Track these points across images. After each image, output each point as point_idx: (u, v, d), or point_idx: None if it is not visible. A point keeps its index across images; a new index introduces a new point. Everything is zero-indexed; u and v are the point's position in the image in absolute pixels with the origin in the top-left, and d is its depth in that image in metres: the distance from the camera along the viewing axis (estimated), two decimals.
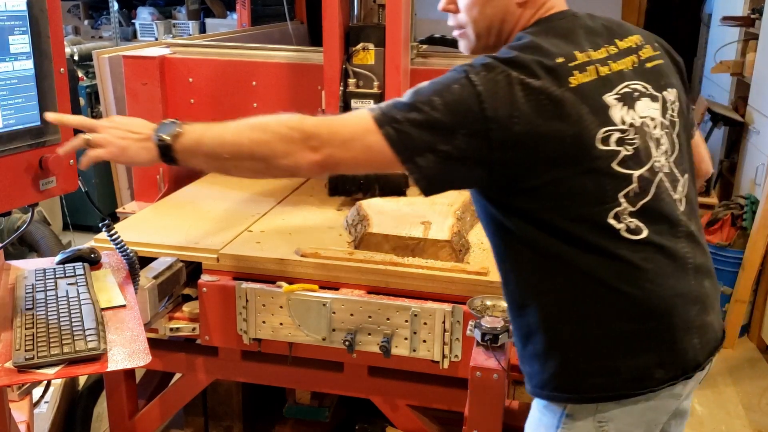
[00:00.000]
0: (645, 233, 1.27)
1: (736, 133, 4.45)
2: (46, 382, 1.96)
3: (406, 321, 1.93)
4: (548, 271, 1.31)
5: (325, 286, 2.03)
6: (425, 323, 1.92)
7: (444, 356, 1.94)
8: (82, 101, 4.50)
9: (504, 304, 1.82)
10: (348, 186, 2.45)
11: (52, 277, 1.63)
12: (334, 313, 1.96)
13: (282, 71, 2.77)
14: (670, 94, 1.38)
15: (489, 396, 1.68)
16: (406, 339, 1.94)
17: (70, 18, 6.32)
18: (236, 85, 2.80)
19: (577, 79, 1.25)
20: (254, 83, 2.78)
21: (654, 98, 1.34)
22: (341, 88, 2.39)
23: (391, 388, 2.13)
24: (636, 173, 1.28)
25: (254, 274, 2.08)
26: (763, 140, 3.86)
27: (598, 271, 1.28)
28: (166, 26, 6.09)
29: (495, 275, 1.96)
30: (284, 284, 2.01)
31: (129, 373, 2.30)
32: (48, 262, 1.77)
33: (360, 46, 2.40)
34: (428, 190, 1.28)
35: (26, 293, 1.56)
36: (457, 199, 2.36)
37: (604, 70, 1.30)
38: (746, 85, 4.25)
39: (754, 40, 4.10)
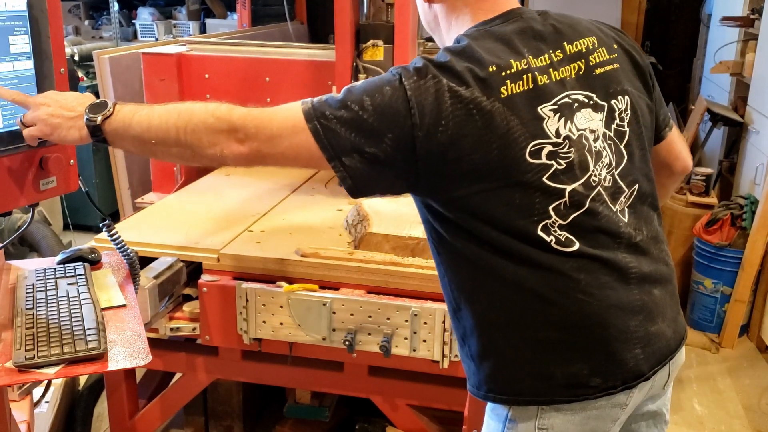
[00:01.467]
0: (576, 245, 1.25)
1: (735, 133, 4.45)
2: (46, 381, 1.96)
3: (406, 321, 1.93)
4: (480, 278, 1.29)
5: (325, 286, 2.03)
6: (425, 323, 1.92)
7: (444, 356, 1.94)
8: None
9: None
10: None
11: (53, 276, 1.63)
12: (334, 312, 1.96)
13: (294, 68, 2.87)
14: (621, 102, 1.34)
15: None
16: (406, 339, 1.95)
17: (71, 18, 6.32)
18: (250, 81, 2.88)
19: (509, 89, 1.22)
20: (267, 79, 2.88)
21: (598, 108, 1.30)
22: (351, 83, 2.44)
23: (391, 387, 2.13)
24: (569, 188, 1.24)
25: (254, 274, 2.08)
26: (762, 140, 3.86)
27: (529, 281, 1.26)
28: (167, 26, 6.08)
29: None
30: (284, 284, 2.01)
31: (129, 372, 2.30)
32: (48, 262, 1.78)
33: (370, 43, 2.50)
34: (354, 191, 1.26)
35: (26, 293, 1.56)
36: None
37: (542, 79, 1.25)
38: (746, 86, 4.25)
39: (754, 40, 4.10)
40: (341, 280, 2.04)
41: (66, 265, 1.71)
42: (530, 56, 1.26)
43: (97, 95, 4.14)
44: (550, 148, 1.23)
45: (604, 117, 1.30)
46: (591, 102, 1.29)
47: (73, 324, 1.41)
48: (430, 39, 3.13)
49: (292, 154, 1.26)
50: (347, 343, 1.95)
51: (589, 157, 1.27)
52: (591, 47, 1.34)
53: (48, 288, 1.57)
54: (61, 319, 1.43)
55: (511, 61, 1.24)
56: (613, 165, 1.30)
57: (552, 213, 1.23)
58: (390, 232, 2.09)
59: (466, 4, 1.34)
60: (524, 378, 1.30)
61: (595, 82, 1.31)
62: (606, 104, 1.32)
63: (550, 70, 1.27)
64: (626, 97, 1.35)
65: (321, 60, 2.83)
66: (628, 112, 1.35)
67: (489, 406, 1.39)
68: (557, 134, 1.24)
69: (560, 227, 1.24)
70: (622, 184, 1.31)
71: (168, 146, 1.32)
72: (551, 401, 1.29)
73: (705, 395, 3.24)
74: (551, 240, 1.24)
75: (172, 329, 2.11)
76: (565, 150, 1.24)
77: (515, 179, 1.22)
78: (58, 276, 1.64)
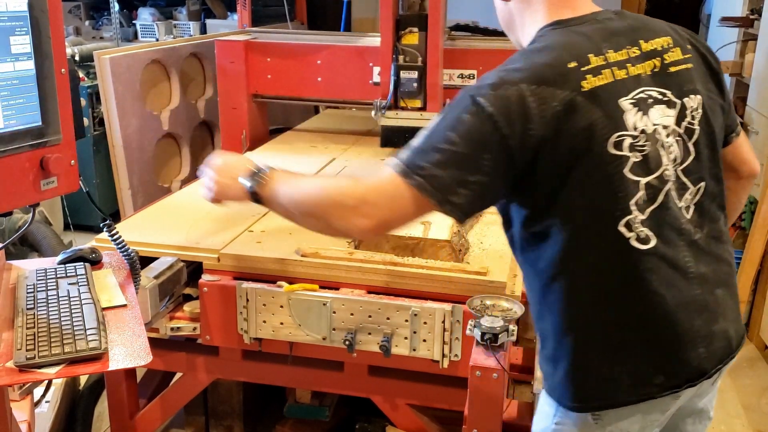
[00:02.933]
0: (653, 242, 1.28)
1: None
2: (47, 381, 1.96)
3: (406, 320, 1.93)
4: (559, 278, 1.33)
5: (325, 285, 2.03)
6: (425, 323, 1.92)
7: (444, 356, 1.94)
8: (83, 102, 4.50)
9: (504, 304, 1.83)
10: (396, 139, 3.10)
11: (53, 276, 1.63)
12: (334, 312, 1.97)
13: (341, 52, 3.39)
14: (693, 101, 1.36)
15: (488, 395, 1.69)
16: (406, 338, 1.95)
17: (71, 19, 6.32)
18: (304, 63, 3.41)
19: (590, 82, 1.26)
20: (319, 62, 3.39)
21: (671, 105, 1.33)
22: (393, 63, 3.04)
23: (391, 387, 2.14)
24: (643, 180, 1.28)
25: (255, 273, 2.08)
26: (762, 140, 3.86)
27: (605, 280, 1.30)
28: (167, 27, 6.08)
29: (495, 275, 1.97)
30: (285, 284, 2.02)
31: (130, 372, 2.31)
32: (49, 262, 1.78)
33: (407, 30, 3.04)
34: (462, 219, 1.34)
35: (27, 293, 1.56)
36: None
37: (620, 74, 1.29)
38: (745, 86, 4.25)
39: (753, 40, 4.09)
40: (341, 280, 2.04)
41: (67, 265, 1.71)
42: (608, 51, 1.30)
43: (97, 95, 4.15)
44: (630, 140, 1.27)
45: (676, 114, 1.33)
46: (665, 99, 1.33)
47: (74, 324, 1.41)
48: (452, 28, 3.86)
49: (405, 213, 1.33)
50: (347, 342, 1.96)
51: (661, 152, 1.30)
52: (666, 47, 1.38)
53: (49, 288, 1.58)
54: (62, 318, 1.43)
55: (590, 56, 1.28)
56: (678, 161, 1.33)
57: (633, 208, 1.27)
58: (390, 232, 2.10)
59: (542, 2, 1.39)
60: (592, 382, 1.33)
61: (669, 80, 1.35)
62: (679, 102, 1.34)
63: (628, 65, 1.31)
64: (698, 97, 1.38)
65: (364, 45, 3.38)
66: (699, 111, 1.37)
67: (543, 393, 1.43)
68: (635, 127, 1.28)
69: (641, 222, 1.28)
70: (686, 180, 1.34)
71: (306, 217, 1.45)
72: (618, 403, 1.32)
73: None
74: (632, 236, 1.27)
75: (172, 329, 2.11)
76: (641, 143, 1.28)
77: (600, 171, 1.26)
78: (58, 276, 1.64)
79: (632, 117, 1.27)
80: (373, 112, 3.16)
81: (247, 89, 3.49)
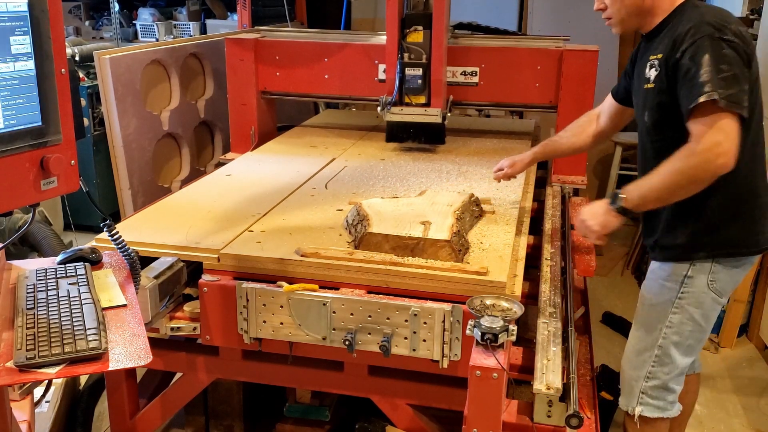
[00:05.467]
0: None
1: None
2: (47, 381, 1.96)
3: (406, 320, 1.93)
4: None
5: (325, 285, 2.03)
6: (425, 323, 1.92)
7: (444, 355, 1.94)
8: (83, 102, 4.51)
9: (504, 304, 1.83)
10: (401, 134, 3.30)
11: (54, 276, 1.63)
12: (334, 312, 1.97)
13: (347, 50, 3.50)
14: None
15: (488, 395, 1.69)
16: (405, 338, 1.95)
17: (71, 19, 6.32)
18: (312, 61, 3.54)
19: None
20: (326, 59, 3.52)
21: None
22: (398, 60, 3.18)
23: (391, 387, 2.14)
24: None
25: (255, 273, 2.08)
26: None
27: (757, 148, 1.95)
28: (167, 27, 6.09)
29: (495, 275, 1.97)
30: (285, 284, 2.02)
31: (130, 372, 2.31)
32: (49, 262, 1.78)
33: (413, 28, 3.18)
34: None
35: (27, 293, 1.56)
36: (456, 199, 2.37)
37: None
38: None
39: (753, 40, 4.10)
40: (341, 280, 2.04)
41: (67, 265, 1.71)
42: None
43: (97, 95, 4.15)
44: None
45: None
46: None
47: (74, 324, 1.41)
48: (455, 26, 4.13)
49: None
50: (347, 342, 1.96)
51: None
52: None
53: (49, 288, 1.58)
54: (62, 318, 1.43)
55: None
56: None
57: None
58: (390, 232, 2.10)
59: None
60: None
61: None
62: None
63: None
64: None
65: (369, 43, 3.49)
66: None
67: (662, 275, 2.04)
68: None
69: None
70: None
71: (680, 191, 1.88)
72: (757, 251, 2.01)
73: (704, 395, 3.23)
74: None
75: (172, 329, 2.11)
76: None
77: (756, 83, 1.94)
78: (59, 276, 1.64)
79: None
80: (378, 108, 3.23)
81: (256, 86, 3.58)
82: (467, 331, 1.77)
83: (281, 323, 2.02)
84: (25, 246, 3.43)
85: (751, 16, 4.15)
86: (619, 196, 1.94)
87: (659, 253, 2.09)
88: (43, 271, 1.66)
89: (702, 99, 1.78)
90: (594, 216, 2.02)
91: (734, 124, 1.78)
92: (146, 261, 2.04)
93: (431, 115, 3.22)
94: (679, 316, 2.03)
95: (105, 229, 1.73)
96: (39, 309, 1.48)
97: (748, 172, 1.95)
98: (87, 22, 6.43)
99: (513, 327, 1.75)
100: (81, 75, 4.53)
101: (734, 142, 1.78)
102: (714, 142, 1.78)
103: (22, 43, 1.43)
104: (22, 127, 1.44)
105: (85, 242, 2.08)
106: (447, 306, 1.92)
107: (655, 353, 2.07)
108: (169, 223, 2.32)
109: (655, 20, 2.01)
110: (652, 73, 1.97)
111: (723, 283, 2.01)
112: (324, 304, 1.97)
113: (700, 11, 1.91)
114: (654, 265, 2.12)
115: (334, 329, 1.98)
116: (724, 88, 1.76)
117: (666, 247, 2.06)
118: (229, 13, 6.21)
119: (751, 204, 1.99)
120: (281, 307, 2.00)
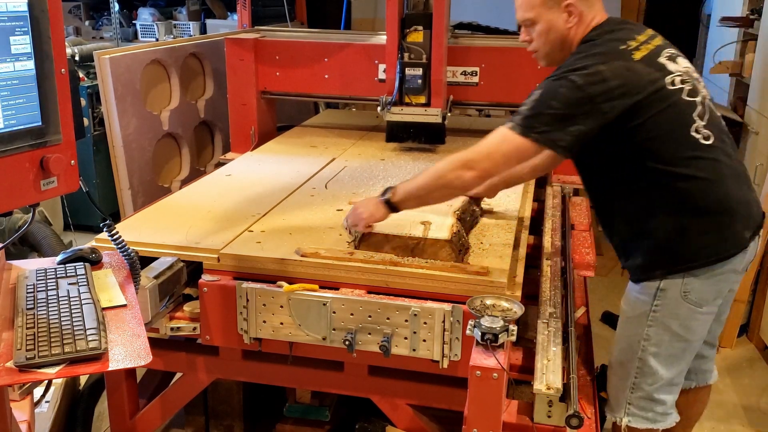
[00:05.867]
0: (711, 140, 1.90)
1: (734, 134, 4.44)
2: (47, 381, 1.96)
3: (406, 321, 1.93)
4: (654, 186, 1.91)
5: (325, 285, 2.03)
6: (425, 323, 1.92)
7: (444, 356, 1.94)
8: (83, 102, 4.51)
9: (504, 304, 1.83)
10: (401, 134, 3.32)
11: (53, 276, 1.63)
12: (334, 312, 1.97)
13: (348, 50, 3.50)
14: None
15: (488, 395, 1.69)
16: (405, 338, 1.95)
17: (71, 19, 6.32)
18: (312, 61, 3.54)
19: (637, 54, 1.88)
20: (326, 59, 3.52)
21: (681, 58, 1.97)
22: (398, 60, 3.19)
23: (391, 387, 2.14)
24: (697, 99, 1.91)
25: (255, 273, 2.08)
26: (761, 141, 3.86)
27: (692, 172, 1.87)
28: (167, 27, 6.09)
29: (495, 275, 1.97)
30: (284, 284, 2.02)
31: (130, 372, 2.31)
32: (49, 262, 1.78)
33: (413, 28, 3.18)
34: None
35: (27, 293, 1.56)
36: (456, 199, 2.37)
37: (650, 47, 1.91)
38: (745, 86, 4.25)
39: (753, 40, 4.10)
40: (341, 280, 2.04)
41: (67, 265, 1.71)
42: (636, 35, 1.93)
43: (97, 95, 4.15)
44: (678, 77, 1.90)
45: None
46: (680, 54, 1.99)
47: (74, 324, 1.41)
48: (455, 26, 4.14)
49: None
50: (347, 342, 1.96)
51: (696, 83, 1.95)
52: (653, 34, 2.00)
53: (49, 288, 1.58)
54: (62, 318, 1.43)
55: (629, 42, 1.90)
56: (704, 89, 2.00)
57: (696, 118, 1.90)
58: (390, 232, 2.10)
59: (582, 23, 2.00)
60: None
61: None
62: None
63: (650, 40, 1.94)
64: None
65: (370, 43, 3.49)
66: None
67: (636, 287, 2.01)
68: (677, 71, 1.91)
69: (704, 127, 1.91)
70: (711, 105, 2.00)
71: (434, 194, 2.01)
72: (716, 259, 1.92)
73: None
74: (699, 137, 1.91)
75: (172, 329, 2.11)
76: (686, 78, 1.91)
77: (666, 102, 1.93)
78: (58, 276, 1.64)
79: (671, 65, 1.91)
80: (378, 108, 3.23)
81: (256, 86, 3.58)
82: (467, 332, 1.77)
83: (281, 323, 2.02)
84: (25, 246, 3.43)
85: (752, 16, 4.15)
86: (389, 189, 2.05)
87: (631, 274, 2.06)
88: (43, 271, 1.66)
89: (508, 124, 1.90)
90: (365, 205, 2.09)
91: (523, 151, 1.88)
92: (146, 261, 2.04)
93: (431, 115, 3.22)
94: (655, 329, 1.99)
95: (105, 229, 1.73)
96: (39, 309, 1.48)
97: (688, 190, 1.90)
98: (87, 22, 6.43)
99: (513, 327, 1.75)
100: (81, 75, 4.53)
101: (501, 166, 1.91)
102: (478, 157, 1.91)
103: (22, 43, 1.43)
104: (22, 127, 1.44)
105: (85, 242, 2.08)
106: (447, 306, 1.92)
107: (637, 365, 2.03)
108: (169, 223, 2.32)
109: (568, 55, 2.00)
110: None
111: (699, 293, 1.95)
112: (324, 304, 1.97)
113: (580, 50, 1.93)
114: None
115: (334, 329, 1.98)
116: (540, 123, 1.83)
117: (631, 268, 2.03)
118: (229, 13, 6.20)
119: (699, 218, 1.91)
120: (281, 307, 2.00)
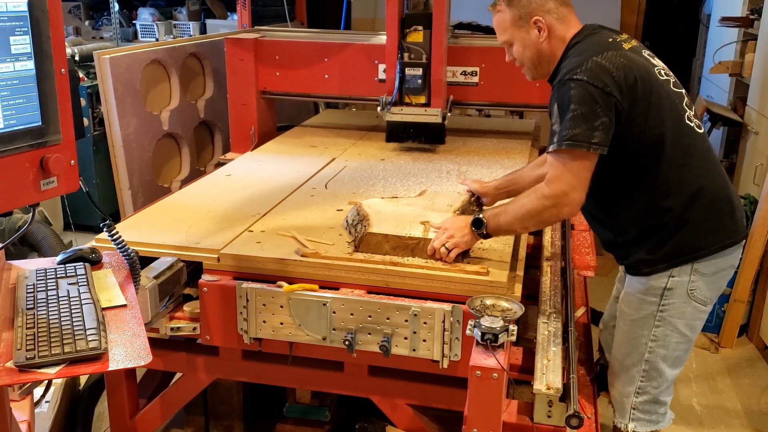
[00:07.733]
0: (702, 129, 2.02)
1: (735, 134, 4.45)
2: (47, 381, 1.96)
3: (406, 321, 1.93)
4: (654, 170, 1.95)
5: (325, 285, 2.03)
6: (425, 323, 1.92)
7: (444, 356, 1.94)
8: (83, 102, 4.51)
9: (504, 304, 1.83)
10: (401, 134, 3.32)
11: (53, 276, 1.63)
12: (334, 312, 1.97)
13: (348, 50, 3.50)
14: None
15: (488, 395, 1.69)
16: (405, 338, 1.95)
17: (71, 19, 6.32)
18: (312, 61, 3.54)
19: (626, 45, 1.96)
20: (326, 59, 3.52)
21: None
22: (398, 60, 3.19)
23: (390, 387, 2.14)
24: (683, 91, 2.01)
25: (255, 273, 2.08)
26: (761, 140, 3.87)
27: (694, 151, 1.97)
28: (167, 27, 6.09)
29: (495, 275, 1.97)
30: (284, 284, 2.02)
31: (130, 372, 2.31)
32: (49, 262, 1.78)
33: (413, 28, 3.19)
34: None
35: (27, 293, 1.56)
36: (456, 199, 2.37)
37: (633, 43, 2.00)
38: (745, 86, 4.26)
39: (753, 40, 4.10)
40: (341, 280, 2.04)
41: (66, 265, 1.71)
42: (616, 36, 2.02)
43: (97, 95, 4.15)
44: (662, 70, 2.00)
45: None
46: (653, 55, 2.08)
47: (74, 324, 1.41)
48: (455, 26, 4.22)
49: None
50: (347, 342, 1.96)
51: (674, 79, 2.05)
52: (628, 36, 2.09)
53: (49, 288, 1.58)
54: (62, 318, 1.43)
55: (609, 41, 1.98)
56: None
57: (686, 107, 1.99)
58: (390, 232, 2.10)
59: (555, 35, 2.04)
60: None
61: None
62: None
63: (627, 41, 2.02)
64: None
65: (370, 43, 3.50)
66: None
67: (640, 288, 2.02)
68: (660, 65, 2.01)
69: (693, 116, 2.01)
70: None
71: (528, 226, 2.04)
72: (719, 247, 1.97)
73: (704, 395, 3.24)
74: (693, 125, 2.01)
75: (172, 329, 2.11)
76: (667, 71, 2.02)
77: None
78: (58, 276, 1.64)
79: (654, 61, 2.00)
80: (378, 108, 3.23)
81: (256, 86, 3.58)
82: (467, 331, 1.77)
83: (281, 323, 2.02)
84: (25, 246, 3.43)
85: (752, 16, 4.15)
86: (482, 221, 2.01)
87: (634, 269, 2.06)
88: (43, 271, 1.66)
89: (551, 148, 1.90)
90: (456, 231, 2.04)
91: (584, 162, 1.87)
92: (146, 261, 2.04)
93: (431, 115, 3.22)
94: (663, 329, 2.01)
95: (105, 229, 1.73)
96: (39, 309, 1.48)
97: (691, 179, 1.95)
98: (87, 22, 6.43)
99: (513, 327, 1.75)
100: (81, 75, 4.53)
101: (582, 185, 1.88)
102: (562, 191, 1.88)
103: (22, 43, 1.43)
104: (22, 127, 1.44)
105: (84, 242, 2.08)
106: (447, 306, 1.92)
107: (643, 368, 2.05)
108: (169, 223, 2.32)
109: (553, 67, 2.06)
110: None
111: (704, 291, 1.99)
112: (324, 304, 1.97)
113: (569, 55, 1.98)
114: (631, 280, 2.08)
115: (334, 329, 1.98)
116: (570, 129, 1.84)
117: (634, 264, 2.04)
118: (229, 13, 6.20)
119: (703, 207, 1.96)
120: (281, 307, 2.00)
